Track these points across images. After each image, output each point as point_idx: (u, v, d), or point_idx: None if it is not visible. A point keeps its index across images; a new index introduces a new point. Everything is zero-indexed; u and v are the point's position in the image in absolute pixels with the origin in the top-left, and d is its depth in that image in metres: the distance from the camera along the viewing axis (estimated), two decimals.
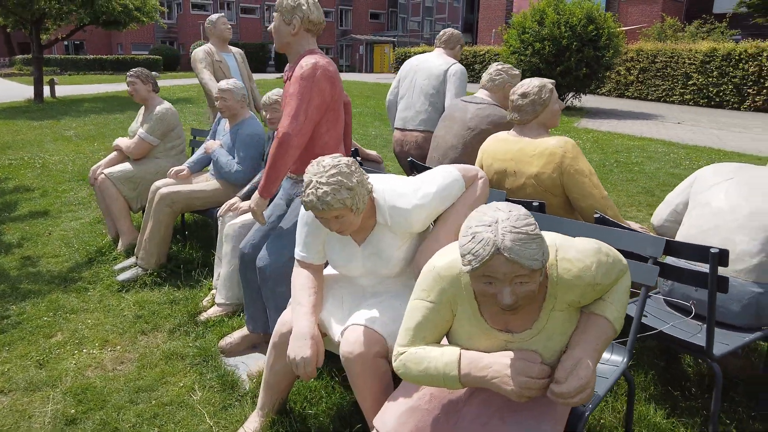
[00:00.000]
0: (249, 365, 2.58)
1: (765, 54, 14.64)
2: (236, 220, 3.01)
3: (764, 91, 14.81)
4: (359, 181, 1.72)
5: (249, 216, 3.02)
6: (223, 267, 3.01)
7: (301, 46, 2.40)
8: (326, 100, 2.30)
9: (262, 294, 2.47)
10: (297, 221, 2.40)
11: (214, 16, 4.77)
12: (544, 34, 11.90)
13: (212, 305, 3.09)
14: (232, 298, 3.01)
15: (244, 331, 2.72)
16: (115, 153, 3.99)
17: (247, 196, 3.23)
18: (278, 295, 2.44)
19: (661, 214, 2.56)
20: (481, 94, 3.15)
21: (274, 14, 2.39)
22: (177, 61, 38.34)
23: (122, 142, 3.94)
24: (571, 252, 1.41)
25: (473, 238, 1.26)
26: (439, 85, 3.69)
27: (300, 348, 1.78)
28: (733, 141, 9.68)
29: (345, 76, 28.37)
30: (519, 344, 1.46)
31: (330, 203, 1.67)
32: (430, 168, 2.96)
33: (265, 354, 2.67)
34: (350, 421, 2.15)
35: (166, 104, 3.88)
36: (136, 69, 3.84)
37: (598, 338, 1.41)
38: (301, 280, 1.96)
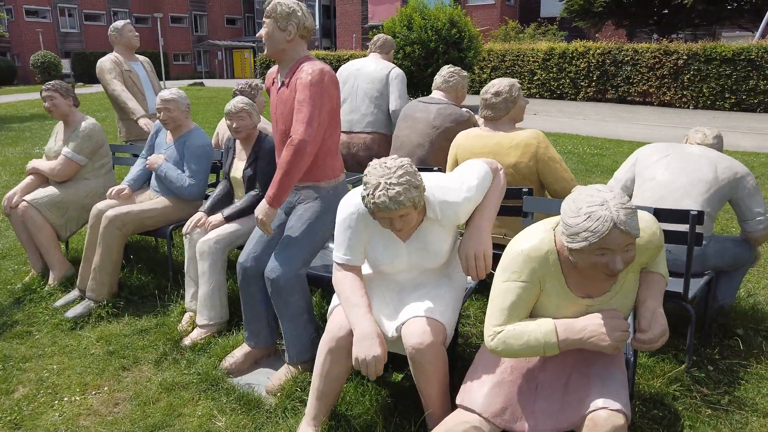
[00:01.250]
0: (260, 382, 2.46)
1: (591, 52, 16.78)
2: (209, 236, 2.82)
3: (593, 83, 16.97)
4: (421, 179, 1.76)
5: (223, 230, 2.84)
6: (202, 286, 2.81)
7: (296, 52, 2.33)
8: (334, 105, 2.28)
9: (275, 306, 2.37)
10: (309, 228, 2.34)
11: (118, 23, 4.35)
12: (413, 38, 12.48)
13: (192, 328, 2.86)
14: (216, 317, 2.82)
15: (245, 348, 2.57)
16: (31, 177, 3.48)
17: (211, 210, 3.03)
18: (291, 305, 2.36)
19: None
20: (437, 94, 3.29)
21: (266, 20, 2.29)
22: (13, 74, 33.52)
23: (40, 164, 3.44)
24: (642, 222, 1.60)
25: (589, 217, 1.39)
26: (383, 88, 3.77)
27: (369, 347, 1.77)
28: (586, 126, 11.03)
29: (209, 83, 27.03)
30: (599, 306, 1.63)
31: (402, 202, 1.69)
32: None
33: (272, 369, 2.56)
34: (394, 419, 2.16)
35: (91, 119, 3.48)
36: (53, 82, 3.38)
37: (661, 291, 1.63)
38: (349, 282, 1.94)
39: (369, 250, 2.00)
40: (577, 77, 17.27)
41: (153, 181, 3.40)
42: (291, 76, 2.29)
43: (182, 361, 2.61)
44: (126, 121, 4.36)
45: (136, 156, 3.98)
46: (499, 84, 2.72)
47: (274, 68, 2.49)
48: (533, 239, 1.62)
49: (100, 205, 3.20)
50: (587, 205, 1.43)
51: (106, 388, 2.43)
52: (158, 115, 3.18)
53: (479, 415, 1.69)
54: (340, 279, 1.97)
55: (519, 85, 2.76)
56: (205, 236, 2.85)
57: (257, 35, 2.39)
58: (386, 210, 1.71)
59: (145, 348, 2.73)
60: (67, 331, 2.91)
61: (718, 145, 2.85)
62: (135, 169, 3.45)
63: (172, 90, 3.20)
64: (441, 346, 1.83)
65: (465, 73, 3.32)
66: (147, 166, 3.29)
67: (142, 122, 4.09)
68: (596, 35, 24.73)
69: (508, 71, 18.69)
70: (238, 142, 3.08)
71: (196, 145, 3.23)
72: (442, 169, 3.09)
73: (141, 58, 4.56)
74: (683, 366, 2.46)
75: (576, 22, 22.15)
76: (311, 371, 2.40)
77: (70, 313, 3.01)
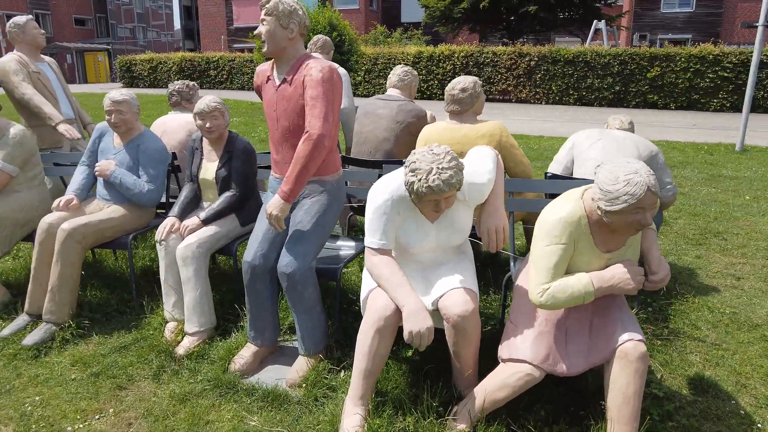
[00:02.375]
0: (276, 378, 2.42)
1: (456, 55, 18.00)
2: (189, 241, 2.68)
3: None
4: (462, 164, 1.91)
5: (203, 233, 2.72)
6: (189, 293, 2.66)
7: (297, 50, 2.33)
8: (340, 102, 2.32)
9: (290, 300, 2.36)
10: (318, 222, 2.36)
11: (20, 19, 3.85)
12: None
13: (182, 337, 2.70)
14: (206, 323, 2.69)
15: (251, 347, 2.51)
16: None
17: (182, 215, 2.87)
18: (306, 299, 2.36)
19: (555, 171, 3.29)
20: (394, 92, 3.44)
21: (266, 18, 2.26)
22: None
23: None
24: None
25: (628, 183, 1.66)
26: None
27: (422, 320, 1.88)
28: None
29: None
30: (616, 259, 1.91)
31: (454, 184, 1.83)
32: (363, 161, 3.15)
33: (281, 365, 2.53)
34: (424, 391, 2.28)
35: (19, 126, 3.07)
36: None
37: (656, 241, 1.97)
38: (388, 265, 2.02)
39: (401, 234, 2.10)
40: (444, 78, 18.40)
41: (101, 189, 3.11)
42: (294, 74, 2.29)
43: (183, 371, 2.47)
44: (38, 127, 3.89)
45: (58, 165, 3.58)
46: (464, 81, 2.94)
47: (266, 66, 2.45)
48: (567, 207, 1.86)
49: (48, 219, 2.86)
50: (624, 174, 1.69)
51: (110, 411, 2.22)
52: (108, 117, 2.93)
53: (529, 363, 1.89)
54: (378, 263, 2.04)
55: (480, 81, 3.02)
56: (184, 242, 2.70)
57: (255, 33, 2.33)
58: (439, 192, 1.83)
59: (134, 364, 2.53)
60: (31, 360, 2.58)
61: (631, 129, 3.36)
62: (78, 177, 3.12)
63: (122, 91, 2.97)
64: (478, 311, 2.00)
65: (415, 72, 3.51)
66: (97, 173, 3.00)
67: (63, 128, 3.69)
68: (454, 39, 26.52)
69: (381, 74, 19.32)
70: (205, 142, 2.95)
71: (153, 148, 3.03)
72: None
73: (47, 58, 4.08)
74: (634, 310, 2.90)
75: (437, 27, 23.52)
76: (324, 360, 2.43)
77: (29, 340, 2.67)
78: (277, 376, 2.44)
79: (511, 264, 2.71)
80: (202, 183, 2.95)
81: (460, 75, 18.06)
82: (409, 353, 2.51)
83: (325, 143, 2.18)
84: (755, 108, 14.92)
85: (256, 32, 2.30)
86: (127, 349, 2.66)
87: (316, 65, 2.22)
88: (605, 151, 3.12)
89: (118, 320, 2.94)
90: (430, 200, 1.89)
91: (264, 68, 2.46)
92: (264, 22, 2.27)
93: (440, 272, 2.15)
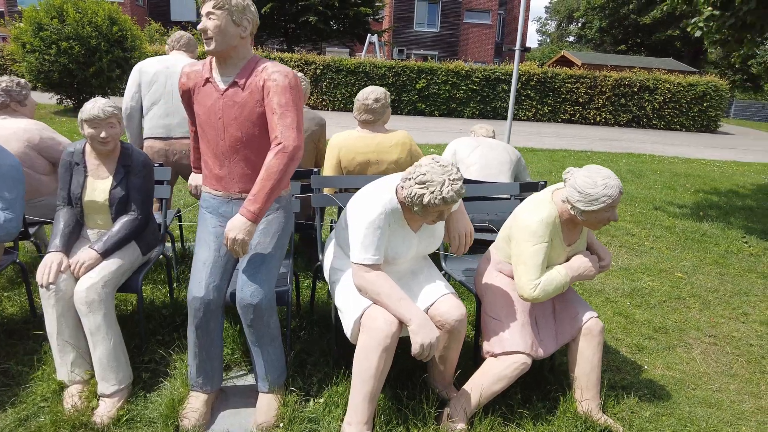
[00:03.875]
0: (237, 424, 2.07)
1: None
2: (90, 280, 2.10)
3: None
4: None
5: (104, 269, 2.15)
6: (99, 346, 2.08)
7: (247, 50, 2.01)
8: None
9: (254, 333, 2.04)
10: (279, 242, 2.09)
11: None
12: (68, 33, 10.38)
13: (93, 401, 2.09)
14: (126, 378, 2.15)
15: (200, 396, 2.09)
16: None
17: (67, 247, 2.22)
18: (272, 328, 2.09)
19: None
20: None
21: (214, 11, 1.88)
22: None
23: None
24: None
25: (606, 186, 1.89)
26: None
27: (431, 331, 1.85)
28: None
29: None
30: (574, 250, 2.16)
31: (463, 195, 1.83)
32: None
33: (233, 408, 2.16)
34: (409, 401, 2.22)
35: None
36: None
37: (593, 233, 2.29)
38: (385, 280, 1.93)
39: (388, 247, 2.00)
40: None
41: None
42: (248, 77, 1.97)
43: None
44: None
45: None
46: (376, 92, 2.92)
47: (198, 66, 2.05)
48: (545, 209, 2.02)
49: None
50: (601, 178, 1.92)
51: None
52: None
53: (523, 353, 2.02)
54: (374, 279, 1.92)
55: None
56: (82, 282, 2.10)
57: (199, 27, 1.91)
58: (451, 203, 1.81)
59: None
60: None
61: (494, 136, 3.79)
62: None
63: None
64: None
65: (308, 79, 3.33)
66: None
67: None
68: None
69: None
70: (90, 155, 2.32)
71: (7, 164, 2.27)
72: (320, 171, 3.08)
73: None
74: None
75: None
76: (291, 392, 2.17)
77: None
78: (238, 421, 2.09)
79: (443, 263, 2.81)
80: (87, 206, 2.32)
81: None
82: None
83: (298, 155, 1.94)
84: (500, 115, 18.03)
85: (200, 27, 1.91)
86: (23, 428, 1.95)
87: (278, 69, 1.96)
88: (483, 157, 3.45)
89: None
90: (436, 211, 1.86)
91: (195, 69, 2.06)
92: (211, 16, 1.90)
93: (419, 281, 2.12)
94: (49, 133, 2.97)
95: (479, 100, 17.88)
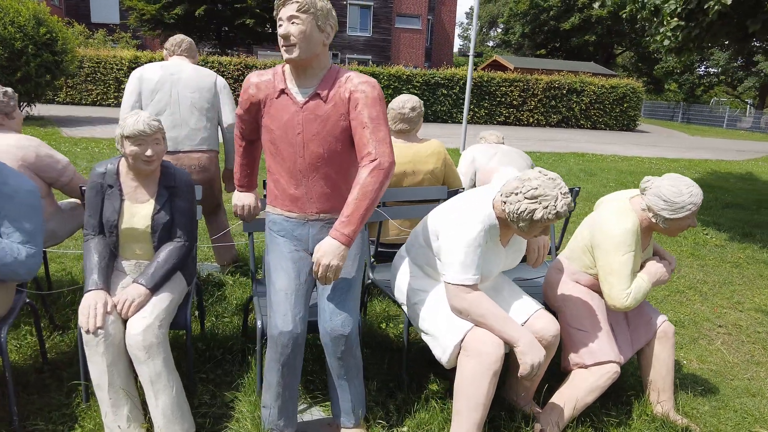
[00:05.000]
0: None
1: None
2: (144, 321, 1.82)
3: None
4: None
5: (155, 306, 1.87)
6: (163, 394, 1.80)
7: (327, 59, 1.80)
8: None
9: (343, 366, 1.85)
10: (360, 265, 1.91)
11: None
12: None
13: None
14: (190, 429, 1.87)
15: None
16: None
17: (107, 283, 1.91)
18: (358, 358, 1.90)
19: (463, 182, 3.43)
20: None
21: (299, 15, 1.66)
22: None
23: None
24: None
25: (691, 194, 1.88)
26: (212, 98, 3.06)
27: (539, 350, 1.78)
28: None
29: None
30: (645, 257, 2.15)
31: (572, 208, 1.75)
32: None
33: None
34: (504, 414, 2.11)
35: None
36: None
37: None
38: (487, 300, 1.82)
39: (483, 264, 1.88)
40: None
41: None
42: (330, 88, 1.77)
43: None
44: None
45: None
46: (412, 100, 2.79)
47: (271, 75, 1.82)
48: (630, 219, 1.98)
49: None
50: (686, 187, 1.91)
51: None
52: None
53: (614, 362, 1.98)
54: (477, 300, 1.79)
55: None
56: (135, 323, 1.81)
57: (282, 33, 1.67)
58: (563, 217, 1.72)
59: None
60: None
61: (503, 142, 3.75)
62: None
63: None
64: None
65: None
66: None
67: None
68: (161, 46, 24.12)
69: (89, 78, 16.20)
70: (128, 177, 2.01)
71: (25, 190, 1.91)
72: None
73: None
74: None
75: (143, 32, 20.97)
76: (377, 423, 2.00)
77: None
78: None
79: (370, 274, 2.71)
80: (125, 234, 2.01)
81: None
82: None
83: (392, 172, 1.77)
84: (440, 119, 18.30)
85: (281, 32, 1.68)
86: None
87: (365, 80, 1.77)
88: (503, 162, 3.41)
89: None
90: (544, 226, 1.76)
91: (265, 79, 1.83)
92: (295, 21, 1.68)
93: (504, 297, 2.02)
94: (45, 150, 2.57)
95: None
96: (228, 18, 20.13)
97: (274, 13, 1.75)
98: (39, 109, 14.03)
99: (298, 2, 1.67)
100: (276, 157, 1.85)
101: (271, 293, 1.82)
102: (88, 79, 16.28)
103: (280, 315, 1.77)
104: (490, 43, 54.64)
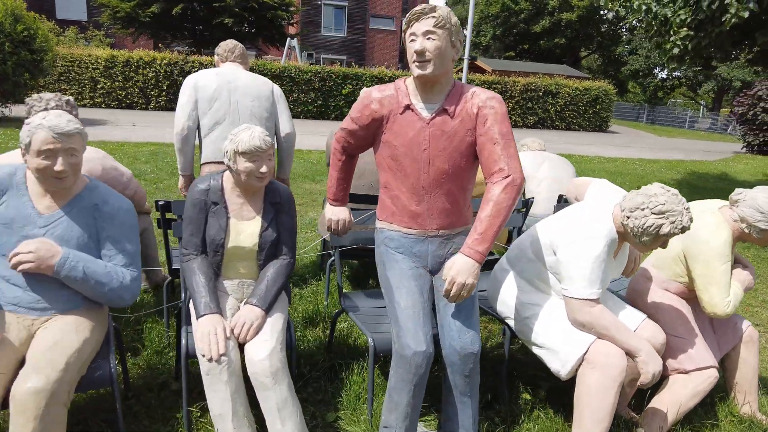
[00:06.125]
0: None
1: (157, 62, 15.94)
2: (267, 344, 1.75)
3: (164, 93, 16.24)
4: None
5: (273, 328, 1.81)
6: (290, 422, 1.73)
7: (452, 74, 1.75)
8: None
9: (469, 384, 1.82)
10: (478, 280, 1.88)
11: None
12: None
13: None
14: None
15: None
16: None
17: (219, 307, 1.82)
18: (478, 376, 1.86)
19: None
20: None
21: (437, 31, 1.62)
22: None
23: None
24: None
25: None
26: (270, 107, 2.95)
27: (658, 359, 1.83)
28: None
29: None
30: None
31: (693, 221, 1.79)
32: (361, 195, 2.66)
33: None
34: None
35: None
36: None
37: None
38: (607, 312, 1.85)
39: (604, 277, 1.88)
40: (146, 86, 16.12)
41: (21, 294, 1.66)
42: (456, 104, 1.73)
43: None
44: None
45: None
46: None
47: (393, 90, 1.76)
48: (725, 230, 2.02)
49: None
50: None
51: None
52: (42, 163, 1.60)
53: (714, 367, 2.03)
54: (600, 314, 1.81)
55: None
56: (259, 348, 1.74)
57: (418, 49, 1.62)
58: (687, 230, 1.76)
59: None
60: None
61: (545, 149, 3.79)
62: None
63: (61, 113, 1.65)
64: None
65: None
66: (21, 267, 1.59)
67: None
68: (134, 44, 23.38)
69: (62, 78, 15.51)
70: (233, 193, 1.92)
71: (124, 209, 1.80)
72: None
73: None
74: None
75: (115, 30, 20.22)
76: None
77: None
78: None
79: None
80: (230, 253, 1.91)
81: (164, 83, 16.09)
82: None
83: (523, 188, 1.74)
84: None
85: (416, 48, 1.63)
86: None
87: (491, 95, 1.74)
88: (552, 170, 3.45)
89: None
90: (665, 240, 1.78)
91: (388, 94, 1.77)
92: (432, 37, 1.63)
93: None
94: (111, 163, 2.44)
95: None
96: (204, 17, 19.63)
97: (404, 27, 1.70)
98: (14, 110, 13.34)
99: (434, 17, 1.62)
100: (397, 173, 1.80)
101: (397, 312, 1.77)
102: (62, 78, 15.59)
103: (410, 335, 1.72)
104: None
